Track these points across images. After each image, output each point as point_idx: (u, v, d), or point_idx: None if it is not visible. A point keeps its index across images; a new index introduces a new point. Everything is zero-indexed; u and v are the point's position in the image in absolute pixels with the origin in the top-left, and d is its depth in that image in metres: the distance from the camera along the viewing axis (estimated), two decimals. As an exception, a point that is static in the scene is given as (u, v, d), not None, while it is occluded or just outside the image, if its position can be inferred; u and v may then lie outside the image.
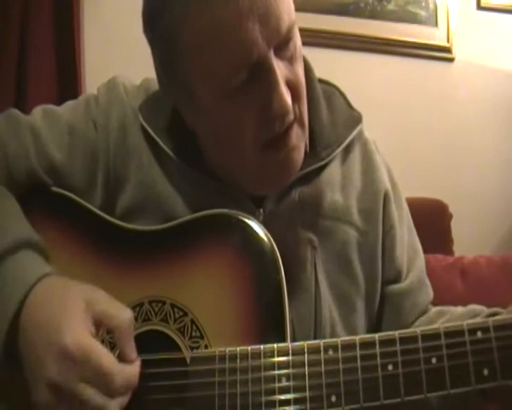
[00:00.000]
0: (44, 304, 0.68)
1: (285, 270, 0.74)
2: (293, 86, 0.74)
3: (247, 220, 0.77)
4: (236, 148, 0.77)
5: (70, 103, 0.90)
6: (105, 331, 0.69)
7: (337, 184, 0.86)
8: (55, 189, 0.84)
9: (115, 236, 0.81)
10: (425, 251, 1.77)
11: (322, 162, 0.84)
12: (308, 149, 0.84)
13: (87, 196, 0.84)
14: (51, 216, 0.83)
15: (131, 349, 0.68)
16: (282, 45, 0.72)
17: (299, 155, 0.79)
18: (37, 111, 0.88)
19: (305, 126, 0.79)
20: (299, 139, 0.77)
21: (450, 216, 2.04)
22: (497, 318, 0.67)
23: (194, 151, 0.83)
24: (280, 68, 0.72)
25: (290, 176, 0.80)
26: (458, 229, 2.06)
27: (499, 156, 2.45)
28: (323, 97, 0.88)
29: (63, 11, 1.97)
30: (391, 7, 2.35)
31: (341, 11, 2.29)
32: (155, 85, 0.87)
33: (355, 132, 0.88)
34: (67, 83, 1.97)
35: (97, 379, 0.63)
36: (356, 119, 0.89)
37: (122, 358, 0.67)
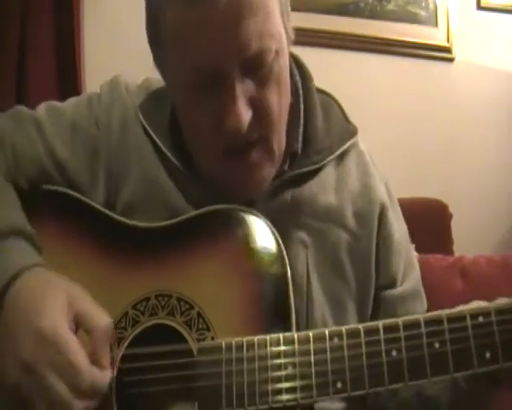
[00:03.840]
0: (28, 291, 0.69)
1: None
2: (259, 108, 0.76)
3: (251, 214, 0.78)
4: (203, 149, 0.80)
5: (73, 100, 0.92)
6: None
7: (331, 187, 0.87)
8: (58, 188, 0.86)
9: (120, 233, 0.82)
10: (425, 251, 1.78)
11: (314, 167, 0.85)
12: (299, 152, 0.86)
13: (90, 192, 0.86)
14: (56, 215, 0.85)
15: (105, 355, 0.68)
16: (249, 66, 0.74)
17: (261, 174, 0.80)
18: (41, 108, 0.90)
19: (273, 152, 0.80)
20: (262, 159, 0.79)
21: (450, 216, 2.04)
22: (498, 302, 0.70)
23: (187, 150, 0.85)
24: (245, 86, 0.74)
25: (255, 189, 0.82)
26: (458, 229, 2.06)
27: (499, 156, 2.45)
28: (321, 107, 0.90)
29: (63, 11, 1.97)
30: (391, 7, 2.35)
31: (341, 11, 2.29)
32: (156, 85, 0.90)
33: (348, 144, 0.89)
34: (67, 83, 1.96)
35: (66, 372, 0.64)
36: (351, 132, 0.91)
37: (94, 360, 0.67)
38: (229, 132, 0.74)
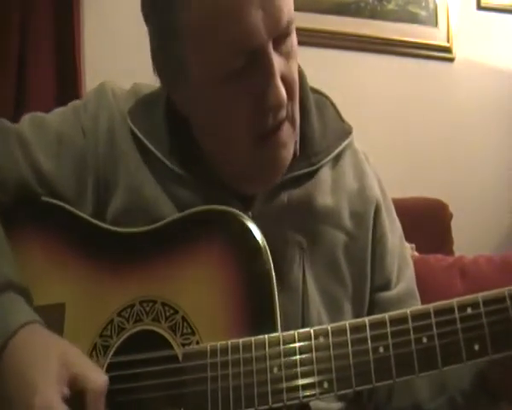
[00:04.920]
0: (24, 353, 0.67)
1: (273, 270, 0.74)
2: (287, 83, 0.75)
3: (232, 213, 0.77)
4: (229, 138, 0.78)
5: (58, 110, 0.90)
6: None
7: (328, 188, 0.86)
8: (43, 198, 0.84)
9: (104, 240, 0.81)
10: (425, 251, 1.78)
11: (312, 168, 0.85)
12: (298, 153, 0.85)
13: (78, 203, 0.84)
14: (40, 226, 0.83)
15: None
16: (280, 39, 0.73)
17: (288, 154, 0.80)
18: (25, 120, 0.88)
19: (296, 126, 0.80)
20: (289, 137, 0.79)
21: (450, 216, 2.04)
22: (486, 293, 0.67)
23: (184, 153, 0.84)
24: (277, 61, 0.73)
25: (278, 173, 0.81)
26: (458, 229, 2.07)
27: (499, 156, 2.45)
28: (315, 107, 0.89)
29: (63, 10, 1.97)
30: (391, 7, 2.35)
31: (341, 11, 2.29)
32: (145, 90, 0.89)
33: (345, 143, 0.89)
34: (67, 82, 1.97)
35: None
36: (346, 131, 0.90)
37: None
38: (272, 108, 0.73)
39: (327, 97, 0.93)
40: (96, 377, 0.67)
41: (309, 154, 0.85)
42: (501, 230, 2.43)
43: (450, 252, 2.00)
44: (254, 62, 0.72)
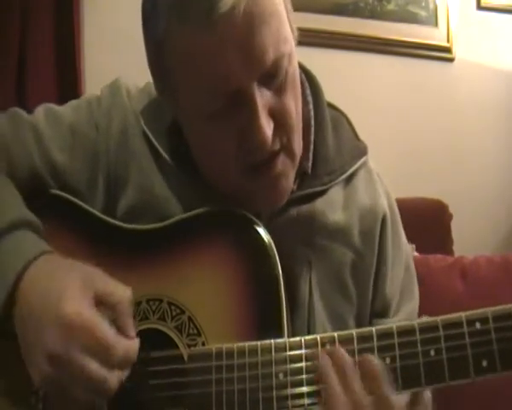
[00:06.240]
0: (42, 278, 0.68)
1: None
2: (279, 116, 0.74)
3: (242, 216, 0.77)
4: (221, 167, 0.77)
5: (72, 103, 0.90)
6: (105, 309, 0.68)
7: (339, 205, 0.85)
8: (54, 191, 0.84)
9: (112, 236, 0.81)
10: (425, 251, 1.78)
11: (323, 187, 0.84)
12: (310, 171, 0.84)
13: (89, 197, 0.85)
14: (48, 219, 0.82)
15: (131, 326, 0.68)
16: (267, 76, 0.71)
17: (286, 183, 0.78)
18: (40, 111, 0.88)
19: (295, 155, 0.79)
20: (286, 167, 0.77)
21: (450, 216, 2.04)
22: (495, 308, 0.66)
23: (192, 160, 0.83)
24: (264, 98, 0.72)
25: (278, 200, 0.80)
26: (458, 229, 2.06)
27: (499, 156, 2.45)
28: (331, 124, 0.88)
29: (63, 10, 1.97)
30: (391, 7, 2.35)
31: (341, 11, 2.29)
32: None
33: (359, 164, 0.87)
34: (67, 82, 1.97)
35: (99, 350, 0.63)
36: (361, 150, 0.89)
37: (122, 333, 0.66)
38: (255, 149, 0.72)
39: (343, 114, 0.92)
40: (121, 291, 0.68)
41: (321, 173, 0.84)
42: (501, 230, 2.43)
43: (450, 252, 1.99)
44: (237, 102, 0.71)
